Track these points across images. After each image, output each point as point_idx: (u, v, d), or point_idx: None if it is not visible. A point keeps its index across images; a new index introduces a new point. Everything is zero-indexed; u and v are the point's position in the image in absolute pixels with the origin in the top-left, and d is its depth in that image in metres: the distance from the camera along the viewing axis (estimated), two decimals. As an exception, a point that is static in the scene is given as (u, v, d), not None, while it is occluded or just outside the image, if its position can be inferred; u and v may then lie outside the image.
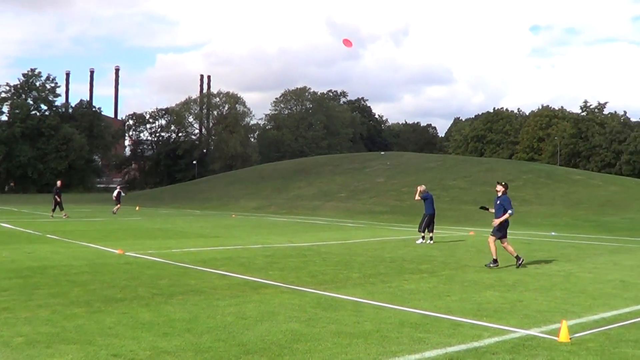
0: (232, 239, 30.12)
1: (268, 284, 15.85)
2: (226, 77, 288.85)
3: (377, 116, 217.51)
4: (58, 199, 47.02)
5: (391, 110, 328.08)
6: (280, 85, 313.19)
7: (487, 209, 21.67)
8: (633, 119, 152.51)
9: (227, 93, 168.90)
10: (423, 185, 30.26)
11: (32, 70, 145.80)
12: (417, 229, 30.01)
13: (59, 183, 49.21)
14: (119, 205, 55.13)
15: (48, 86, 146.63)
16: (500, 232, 19.85)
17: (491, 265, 19.64)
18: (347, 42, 19.08)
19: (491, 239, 19.93)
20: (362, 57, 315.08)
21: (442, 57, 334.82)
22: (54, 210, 47.88)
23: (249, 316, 11.85)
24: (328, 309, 12.59)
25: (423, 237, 28.43)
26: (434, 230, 29.34)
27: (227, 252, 23.70)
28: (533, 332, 10.77)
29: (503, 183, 20.61)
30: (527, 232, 36.33)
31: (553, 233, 35.65)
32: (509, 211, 19.73)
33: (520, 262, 19.73)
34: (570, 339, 10.14)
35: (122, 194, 57.85)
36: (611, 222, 42.17)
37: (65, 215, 46.92)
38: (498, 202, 20.07)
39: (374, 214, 52.34)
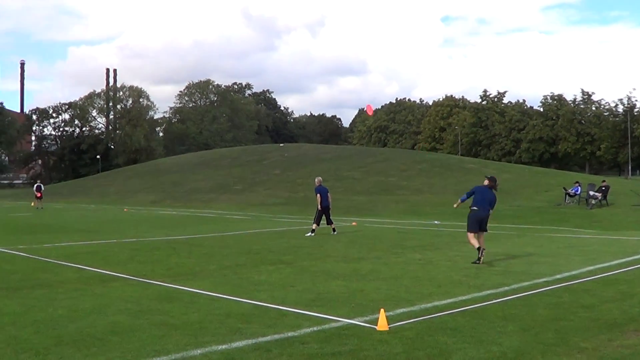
0: (111, 233, 29.79)
1: (119, 277, 15.90)
2: (140, 70, 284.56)
3: (282, 108, 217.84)
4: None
5: (305, 102, 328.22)
6: (194, 77, 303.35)
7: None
8: (534, 107, 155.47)
9: (131, 87, 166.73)
10: (319, 178, 30.15)
11: None
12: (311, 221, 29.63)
13: None
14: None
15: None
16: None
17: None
18: (369, 109, 19.07)
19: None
20: (277, 49, 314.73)
21: (357, 48, 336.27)
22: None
23: (81, 309, 11.91)
24: (163, 301, 12.68)
25: (313, 231, 28.00)
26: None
27: (96, 247, 23.67)
28: (356, 321, 10.81)
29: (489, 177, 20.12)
30: (413, 221, 36.74)
31: (436, 222, 36.03)
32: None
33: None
34: (389, 327, 10.18)
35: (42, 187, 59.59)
36: (498, 209, 42.49)
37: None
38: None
39: (268, 206, 52.48)
